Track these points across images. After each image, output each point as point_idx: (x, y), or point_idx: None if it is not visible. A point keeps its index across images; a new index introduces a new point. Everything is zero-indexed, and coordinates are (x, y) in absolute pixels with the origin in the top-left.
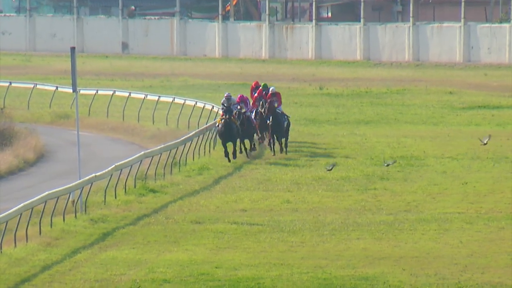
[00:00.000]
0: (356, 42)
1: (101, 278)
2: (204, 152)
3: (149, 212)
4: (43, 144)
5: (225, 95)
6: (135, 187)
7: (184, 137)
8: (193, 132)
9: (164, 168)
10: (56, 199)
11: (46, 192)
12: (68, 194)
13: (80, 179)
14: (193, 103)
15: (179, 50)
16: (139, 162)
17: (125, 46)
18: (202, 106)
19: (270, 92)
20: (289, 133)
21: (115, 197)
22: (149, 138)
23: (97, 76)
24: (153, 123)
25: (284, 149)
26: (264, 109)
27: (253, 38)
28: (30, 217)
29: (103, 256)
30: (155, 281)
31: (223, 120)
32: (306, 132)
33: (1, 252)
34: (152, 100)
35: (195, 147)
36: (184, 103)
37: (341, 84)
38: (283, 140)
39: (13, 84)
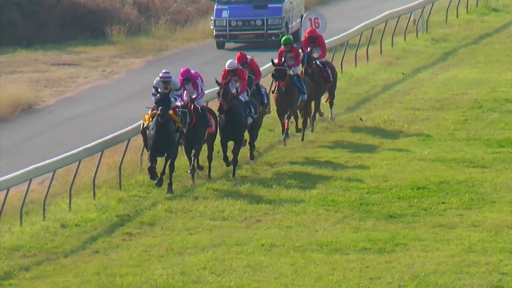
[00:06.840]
0: None
1: (441, 97)
2: None
3: (491, 31)
4: None
5: (161, 74)
6: (477, 6)
7: None
8: None
9: None
10: (397, 18)
11: (387, 12)
12: (409, 14)
13: None
14: None
15: None
16: None
17: None
18: None
19: (226, 68)
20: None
21: (457, 16)
22: None
23: None
24: None
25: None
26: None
27: None
28: (370, 36)
29: (444, 76)
30: (496, 100)
31: (154, 120)
32: None
33: (342, 71)
34: None
35: None
36: None
37: None
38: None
39: None
